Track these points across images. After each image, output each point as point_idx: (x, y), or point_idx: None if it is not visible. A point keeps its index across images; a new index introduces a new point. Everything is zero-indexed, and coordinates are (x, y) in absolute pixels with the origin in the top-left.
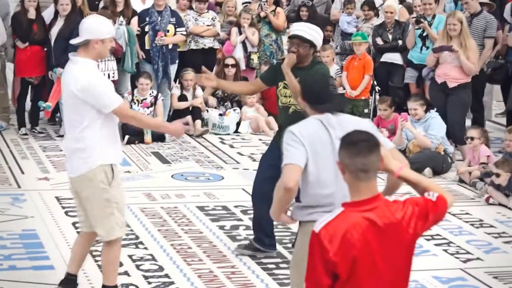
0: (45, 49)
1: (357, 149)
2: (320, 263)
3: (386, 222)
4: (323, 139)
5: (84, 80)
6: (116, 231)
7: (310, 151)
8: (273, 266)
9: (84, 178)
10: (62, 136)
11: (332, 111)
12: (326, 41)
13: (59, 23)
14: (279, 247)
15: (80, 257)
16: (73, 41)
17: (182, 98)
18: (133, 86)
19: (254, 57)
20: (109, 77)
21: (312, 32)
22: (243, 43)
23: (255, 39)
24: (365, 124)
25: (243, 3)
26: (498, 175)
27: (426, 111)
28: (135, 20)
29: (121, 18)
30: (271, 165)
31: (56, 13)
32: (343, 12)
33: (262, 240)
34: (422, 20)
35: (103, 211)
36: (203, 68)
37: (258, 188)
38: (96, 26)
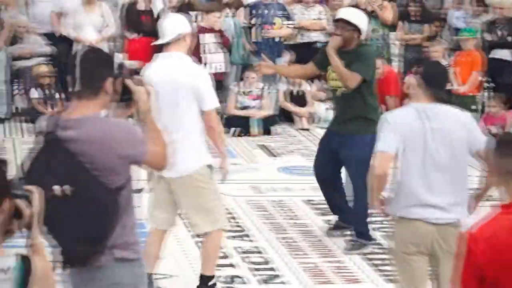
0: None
1: (510, 149)
2: (468, 265)
3: None
4: (415, 129)
5: (195, 72)
6: (220, 222)
7: (403, 139)
8: (379, 262)
9: (190, 176)
10: None
11: (442, 100)
12: (433, 36)
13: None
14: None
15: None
16: (165, 39)
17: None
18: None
19: None
20: (217, 69)
21: (357, 17)
22: None
23: None
24: (465, 117)
25: None
26: None
27: None
28: (242, 11)
29: (227, 10)
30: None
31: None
32: (452, 7)
33: (363, 233)
34: None
35: (210, 203)
36: (263, 55)
37: (323, 176)
38: (183, 21)
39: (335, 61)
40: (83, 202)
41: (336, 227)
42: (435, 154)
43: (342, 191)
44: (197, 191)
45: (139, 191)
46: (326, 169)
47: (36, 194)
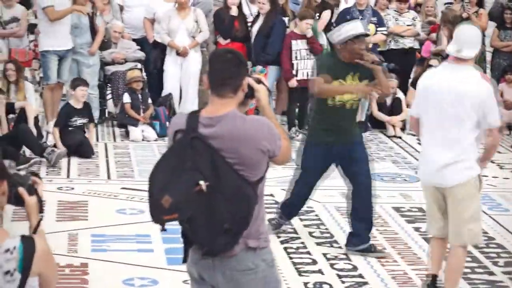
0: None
1: None
2: None
3: None
4: None
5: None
6: (479, 238)
7: None
8: (468, 270)
9: (467, 184)
10: None
11: None
12: None
13: (260, 21)
14: (474, 251)
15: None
16: (469, 55)
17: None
18: None
19: None
20: (307, 75)
21: None
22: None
23: None
24: None
25: (445, 4)
26: None
27: None
28: (326, 13)
29: (318, 13)
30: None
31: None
32: None
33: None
34: None
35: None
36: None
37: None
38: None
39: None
40: (227, 196)
41: None
42: None
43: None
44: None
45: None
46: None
47: (41, 184)
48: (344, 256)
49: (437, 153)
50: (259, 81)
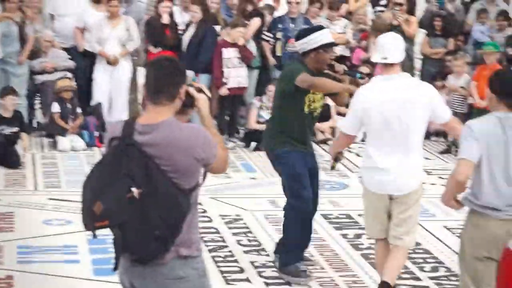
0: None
1: None
2: None
3: None
4: (498, 139)
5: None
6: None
7: (485, 148)
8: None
9: (417, 190)
10: None
11: None
12: (455, 50)
13: (192, 29)
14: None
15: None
16: (393, 60)
17: None
18: (259, 92)
19: None
20: (238, 84)
21: None
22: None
23: None
24: None
25: (376, 11)
26: None
27: None
28: (256, 20)
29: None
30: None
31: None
32: (476, 21)
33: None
34: None
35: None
36: None
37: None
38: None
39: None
40: (159, 203)
41: None
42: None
43: None
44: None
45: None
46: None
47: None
48: (271, 264)
49: (390, 161)
50: (199, 90)
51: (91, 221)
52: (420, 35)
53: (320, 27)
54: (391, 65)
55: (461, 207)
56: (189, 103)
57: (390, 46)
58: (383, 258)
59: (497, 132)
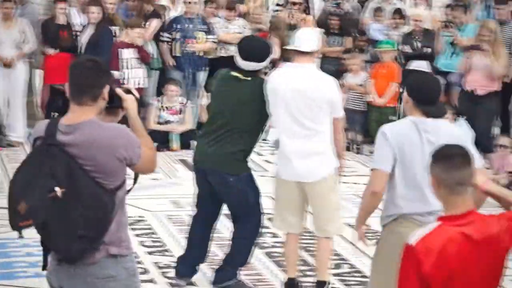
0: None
1: (453, 162)
2: (414, 277)
3: (482, 236)
4: (413, 143)
5: (334, 85)
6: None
7: (399, 153)
8: (299, 273)
9: (327, 179)
10: None
11: (434, 114)
12: (351, 49)
13: (89, 30)
14: (306, 255)
15: (295, 259)
16: (306, 48)
17: None
18: (159, 93)
19: None
20: (137, 84)
21: None
22: None
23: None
24: (458, 133)
25: (273, 11)
26: None
27: (454, 119)
28: (154, 21)
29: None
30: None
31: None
32: (372, 19)
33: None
34: (451, 24)
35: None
36: None
37: None
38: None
39: None
40: (83, 202)
41: None
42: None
43: None
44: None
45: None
46: None
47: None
48: (176, 264)
49: (297, 149)
50: (128, 91)
51: (16, 221)
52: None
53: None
54: (303, 54)
55: (363, 237)
56: (118, 104)
57: (304, 37)
58: (293, 254)
59: (412, 136)
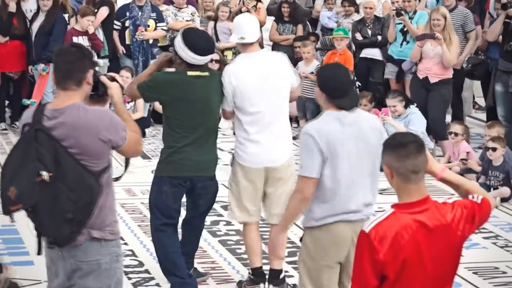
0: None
1: (406, 150)
2: (368, 263)
3: (437, 224)
4: (340, 138)
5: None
6: None
7: (328, 152)
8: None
9: (290, 163)
10: None
11: (348, 106)
12: (303, 36)
13: (41, 18)
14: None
15: (260, 248)
16: (251, 39)
17: None
18: None
19: (228, 53)
20: None
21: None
22: (216, 38)
23: None
24: (377, 121)
25: None
26: (494, 149)
27: (405, 106)
28: (103, 9)
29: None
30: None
31: (39, 8)
32: (323, 7)
33: None
34: (402, 12)
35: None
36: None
37: None
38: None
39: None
40: (69, 186)
41: None
42: (358, 160)
43: None
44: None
45: (117, 179)
46: None
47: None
48: (130, 253)
49: (264, 134)
50: (113, 79)
51: (7, 206)
52: (268, 22)
53: None
54: (250, 44)
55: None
56: (103, 91)
57: (246, 26)
58: (257, 243)
59: (338, 132)
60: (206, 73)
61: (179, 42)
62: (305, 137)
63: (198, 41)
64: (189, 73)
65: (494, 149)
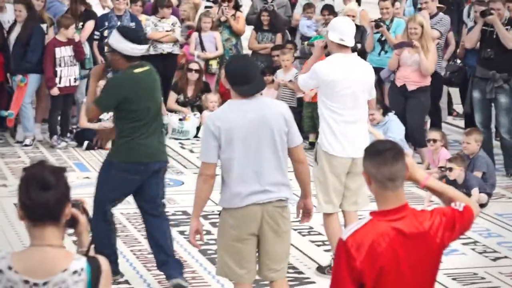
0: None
1: (383, 158)
2: (346, 271)
3: (414, 231)
4: (239, 124)
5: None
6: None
7: (225, 139)
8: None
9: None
10: (20, 142)
11: (251, 92)
12: (282, 45)
13: (17, 29)
14: None
15: None
16: (352, 43)
17: None
18: None
19: (213, 62)
20: (71, 82)
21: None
22: (202, 47)
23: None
24: (283, 107)
25: (205, 7)
26: (451, 169)
27: (383, 114)
28: (90, 23)
29: (81, 23)
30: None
31: (16, 19)
32: (303, 16)
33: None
34: (381, 24)
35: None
36: None
37: None
38: None
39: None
40: None
41: None
42: (260, 143)
43: None
44: None
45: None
46: None
47: (85, 201)
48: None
49: (350, 128)
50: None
51: None
52: (248, 31)
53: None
54: (347, 47)
55: (200, 228)
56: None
57: (348, 30)
58: (339, 230)
59: (236, 119)
60: (147, 67)
61: (116, 39)
62: (204, 125)
63: (133, 32)
64: (136, 70)
65: (450, 169)
